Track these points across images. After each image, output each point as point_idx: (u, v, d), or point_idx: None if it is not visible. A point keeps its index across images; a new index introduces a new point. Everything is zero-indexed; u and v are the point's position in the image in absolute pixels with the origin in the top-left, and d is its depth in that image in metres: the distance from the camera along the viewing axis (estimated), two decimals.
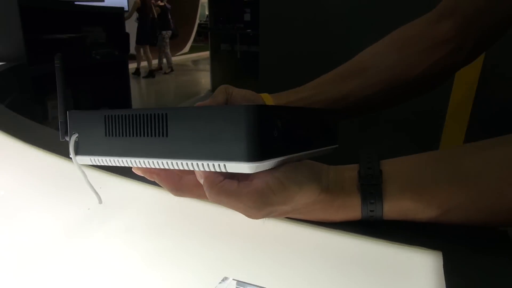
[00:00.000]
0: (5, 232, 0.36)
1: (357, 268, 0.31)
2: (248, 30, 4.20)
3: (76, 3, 1.94)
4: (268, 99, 0.48)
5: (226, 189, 0.31)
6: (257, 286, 0.26)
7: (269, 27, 2.22)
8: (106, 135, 0.32)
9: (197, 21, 8.79)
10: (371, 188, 0.33)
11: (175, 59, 6.95)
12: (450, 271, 0.29)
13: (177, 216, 0.38)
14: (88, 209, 0.39)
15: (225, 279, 0.27)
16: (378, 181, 0.33)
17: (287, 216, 0.35)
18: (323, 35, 1.78)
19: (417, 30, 0.52)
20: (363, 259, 0.32)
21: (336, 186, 0.34)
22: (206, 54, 5.99)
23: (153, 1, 5.76)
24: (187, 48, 8.94)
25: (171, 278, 0.29)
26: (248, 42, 4.30)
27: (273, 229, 0.37)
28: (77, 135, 0.34)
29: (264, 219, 0.33)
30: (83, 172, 0.37)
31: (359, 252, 0.33)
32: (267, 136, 0.28)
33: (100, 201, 0.41)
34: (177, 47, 7.99)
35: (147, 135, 0.29)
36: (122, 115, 0.31)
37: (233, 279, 0.27)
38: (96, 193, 0.41)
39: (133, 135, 0.30)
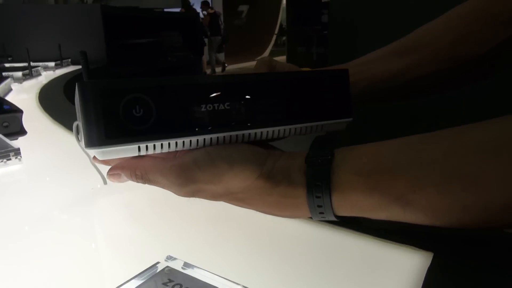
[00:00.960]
0: (20, 198, 0.40)
1: (340, 262, 0.29)
2: (325, 32, 4.14)
3: (154, 9, 2.08)
4: None
5: (149, 165, 0.30)
6: (205, 270, 0.25)
7: (339, 29, 2.16)
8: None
9: (278, 25, 8.93)
10: (317, 172, 0.28)
11: (252, 63, 7.08)
12: (432, 273, 0.26)
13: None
14: (92, 188, 0.42)
15: (170, 258, 0.26)
16: (325, 165, 0.28)
17: (220, 200, 0.31)
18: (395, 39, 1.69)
19: (478, 7, 0.46)
20: (348, 254, 0.30)
21: (281, 172, 0.29)
22: (283, 58, 6.02)
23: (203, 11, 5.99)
24: (267, 52, 9.10)
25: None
26: (325, 45, 4.23)
27: (244, 215, 0.34)
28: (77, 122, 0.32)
29: (190, 198, 0.30)
30: (87, 153, 0.39)
31: (341, 246, 0.31)
32: (109, 117, 0.25)
33: (105, 182, 0.43)
34: (257, 52, 8.17)
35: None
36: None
37: (181, 260, 0.26)
38: (101, 174, 0.43)
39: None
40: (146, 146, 0.27)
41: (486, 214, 0.25)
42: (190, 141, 0.28)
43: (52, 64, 1.49)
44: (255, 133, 0.30)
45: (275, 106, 0.30)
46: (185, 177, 0.29)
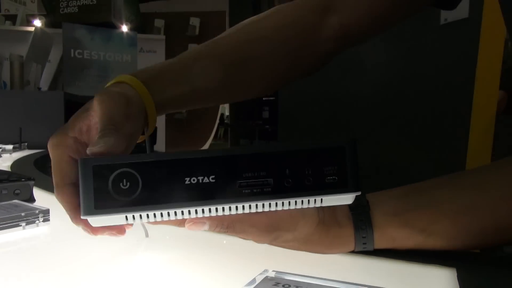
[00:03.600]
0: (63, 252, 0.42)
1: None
2: (267, 126, 4.47)
3: None
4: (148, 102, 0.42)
5: (235, 217, 0.34)
6: (296, 274, 0.31)
7: (287, 123, 2.39)
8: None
9: (217, 121, 9.32)
10: (361, 215, 0.37)
11: None
12: (465, 283, 0.33)
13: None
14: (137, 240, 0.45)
15: (265, 271, 0.32)
16: (366, 210, 0.37)
17: (287, 245, 0.37)
18: (341, 131, 1.91)
19: (302, 17, 0.50)
20: (383, 275, 0.36)
21: (330, 218, 0.37)
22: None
23: None
24: (207, 145, 9.30)
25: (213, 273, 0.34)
26: (266, 137, 4.53)
27: None
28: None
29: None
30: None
31: (376, 271, 0.37)
32: (98, 190, 0.29)
33: (147, 235, 0.46)
34: (196, 144, 8.32)
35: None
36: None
37: (273, 271, 0.31)
38: (144, 228, 0.46)
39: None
40: (133, 216, 0.31)
41: (485, 236, 0.36)
42: (175, 212, 0.31)
43: (10, 147, 1.46)
44: (243, 206, 0.31)
45: (264, 179, 0.31)
46: (271, 225, 0.35)
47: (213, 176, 0.30)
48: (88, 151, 0.32)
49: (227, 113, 7.05)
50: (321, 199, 0.32)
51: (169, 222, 0.34)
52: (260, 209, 0.31)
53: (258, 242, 0.36)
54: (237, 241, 0.36)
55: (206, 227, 0.34)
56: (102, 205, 0.29)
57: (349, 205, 0.37)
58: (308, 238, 0.37)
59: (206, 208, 0.31)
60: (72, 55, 2.25)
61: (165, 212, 0.31)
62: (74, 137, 0.36)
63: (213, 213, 0.31)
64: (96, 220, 0.31)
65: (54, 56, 2.26)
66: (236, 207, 0.31)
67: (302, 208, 0.32)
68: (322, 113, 2.04)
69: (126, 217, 0.31)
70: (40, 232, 0.49)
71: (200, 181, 0.30)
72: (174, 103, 0.45)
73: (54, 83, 2.20)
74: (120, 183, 0.29)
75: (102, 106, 0.36)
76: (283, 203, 0.31)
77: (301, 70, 0.52)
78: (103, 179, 0.30)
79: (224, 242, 0.42)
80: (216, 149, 0.31)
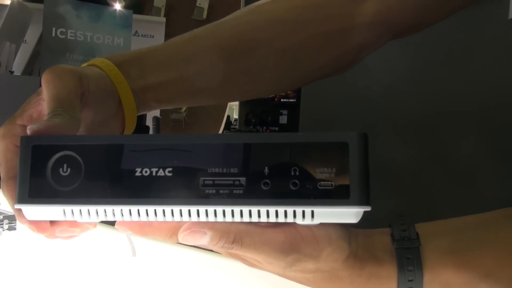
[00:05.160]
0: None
1: None
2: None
3: None
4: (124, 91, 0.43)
5: (245, 229, 0.31)
6: None
7: (310, 131, 2.38)
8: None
9: (223, 124, 9.33)
10: (408, 252, 0.34)
11: None
12: None
13: None
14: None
15: None
16: (415, 244, 0.35)
17: (305, 278, 0.35)
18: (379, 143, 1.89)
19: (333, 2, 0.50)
20: None
21: (366, 251, 0.35)
22: None
23: None
24: None
25: None
26: None
27: None
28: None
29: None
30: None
31: None
32: (35, 175, 0.29)
33: (134, 253, 0.47)
34: None
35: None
36: None
37: None
38: (131, 244, 0.47)
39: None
40: (72, 211, 0.29)
41: None
42: (121, 210, 0.29)
43: None
44: (206, 211, 0.30)
45: (234, 178, 0.28)
46: (290, 245, 0.32)
47: (170, 169, 0.29)
48: (27, 130, 0.32)
49: (235, 115, 7.08)
50: (312, 212, 0.29)
51: (155, 234, 0.33)
52: (228, 218, 0.29)
53: (269, 268, 0.34)
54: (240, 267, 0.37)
55: (206, 239, 0.32)
56: (37, 193, 0.29)
57: (392, 236, 0.35)
58: (335, 273, 0.34)
59: (159, 209, 0.29)
60: (53, 34, 2.30)
61: (108, 210, 0.30)
62: (23, 125, 0.37)
63: (168, 217, 0.30)
64: (30, 211, 0.30)
65: (32, 35, 2.31)
66: (197, 212, 0.29)
67: (329, 233, 0.31)
68: (356, 122, 2.04)
69: (64, 211, 0.30)
70: (3, 242, 0.50)
71: (154, 174, 0.29)
72: (158, 94, 0.45)
73: (30, 67, 2.25)
74: (60, 169, 0.29)
75: (49, 86, 0.36)
76: (258, 212, 0.29)
77: (324, 65, 0.51)
78: (42, 162, 0.29)
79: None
80: (180, 135, 0.30)
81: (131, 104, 0.42)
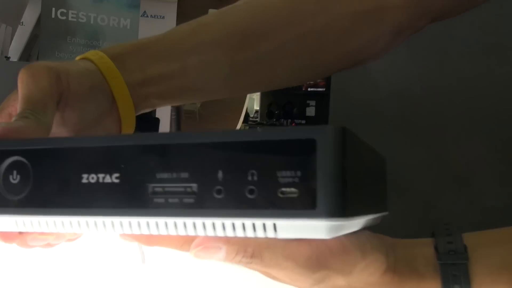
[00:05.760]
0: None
1: None
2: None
3: None
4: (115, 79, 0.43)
5: (265, 242, 0.32)
6: None
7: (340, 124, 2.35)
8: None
9: (242, 117, 9.37)
10: (454, 269, 0.34)
11: None
12: None
13: None
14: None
15: None
16: (463, 259, 0.35)
17: None
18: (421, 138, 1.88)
19: None
20: None
21: (406, 265, 0.35)
22: None
23: None
24: None
25: None
26: None
27: None
28: None
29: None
30: None
31: None
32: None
33: (143, 260, 0.48)
34: None
35: None
36: None
37: None
38: (141, 250, 0.48)
39: None
40: (23, 222, 0.31)
41: None
42: (70, 222, 0.30)
43: None
44: (156, 223, 0.30)
45: (185, 185, 0.28)
46: (317, 261, 0.33)
47: (117, 175, 0.29)
48: None
49: (256, 107, 7.10)
50: (274, 225, 0.28)
51: (164, 244, 0.33)
52: (181, 231, 0.29)
53: (294, 284, 0.35)
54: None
55: (222, 254, 0.32)
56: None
57: (436, 249, 0.35)
58: None
59: (107, 220, 0.30)
60: (52, 15, 2.32)
61: (58, 221, 0.31)
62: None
63: (117, 228, 0.30)
64: None
65: (30, 16, 2.34)
66: (147, 224, 0.29)
67: (363, 244, 0.32)
68: (394, 115, 2.01)
69: (16, 221, 0.31)
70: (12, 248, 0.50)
71: (101, 180, 0.29)
72: (159, 88, 0.45)
73: (27, 52, 2.28)
74: (10, 176, 0.30)
75: (22, 86, 0.37)
76: (213, 224, 0.28)
77: (352, 52, 0.50)
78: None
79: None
80: (130, 135, 0.30)
81: (127, 100, 0.43)
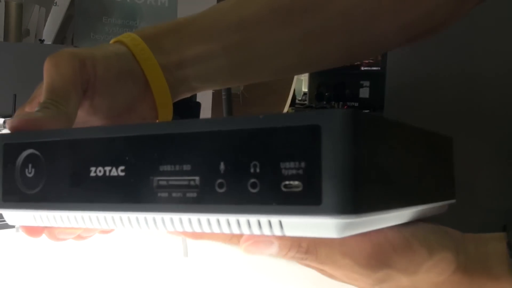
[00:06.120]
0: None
1: None
2: (366, 111, 4.41)
3: None
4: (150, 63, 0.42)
5: (323, 239, 0.30)
6: None
7: (398, 107, 2.32)
8: None
9: (289, 99, 9.36)
10: None
11: None
12: None
13: None
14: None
15: None
16: None
17: None
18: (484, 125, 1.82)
19: None
20: None
21: (478, 263, 0.34)
22: None
23: None
24: None
25: None
26: None
27: None
28: None
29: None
30: None
31: None
32: (7, 177, 0.32)
33: (186, 254, 0.48)
34: None
35: None
36: None
37: None
38: (184, 243, 0.48)
39: None
40: (41, 216, 0.32)
41: None
42: (82, 217, 0.30)
43: (0, 121, 1.57)
44: (162, 219, 0.29)
45: (188, 178, 0.28)
46: (379, 259, 0.31)
47: (122, 168, 0.29)
48: (6, 125, 0.33)
49: (304, 88, 7.06)
50: (280, 223, 0.26)
51: (212, 237, 0.33)
52: (186, 227, 0.29)
53: (352, 283, 0.34)
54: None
55: (274, 249, 0.31)
56: (9, 196, 0.32)
57: (509, 245, 0.34)
58: None
59: (108, 216, 0.30)
60: None
61: (71, 216, 0.31)
62: None
63: (117, 224, 0.30)
64: (9, 216, 0.33)
65: None
66: (154, 220, 0.29)
67: (429, 241, 0.30)
68: (457, 97, 1.96)
69: (34, 216, 0.32)
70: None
71: (108, 173, 0.29)
72: (198, 70, 0.44)
73: (62, 34, 2.32)
74: (26, 169, 0.31)
75: (46, 75, 0.37)
76: (217, 221, 0.28)
77: (406, 26, 0.47)
78: (12, 162, 0.31)
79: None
80: (140, 124, 0.30)
81: (161, 84, 0.42)
